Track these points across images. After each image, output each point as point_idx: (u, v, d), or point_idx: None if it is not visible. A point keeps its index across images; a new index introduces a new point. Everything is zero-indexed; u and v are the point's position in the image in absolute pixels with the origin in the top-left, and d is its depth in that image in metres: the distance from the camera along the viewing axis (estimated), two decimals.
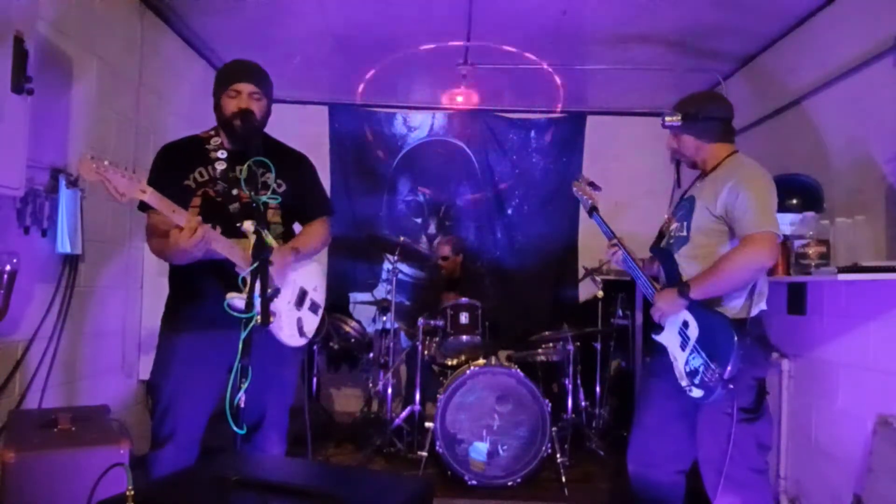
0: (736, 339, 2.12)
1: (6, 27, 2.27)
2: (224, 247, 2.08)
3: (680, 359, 2.31)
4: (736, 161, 2.37)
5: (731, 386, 2.12)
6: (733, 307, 2.28)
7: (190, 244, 1.98)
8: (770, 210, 2.22)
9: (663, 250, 2.47)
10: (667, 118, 2.42)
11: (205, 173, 2.27)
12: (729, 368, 2.11)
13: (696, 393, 2.22)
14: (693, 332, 2.26)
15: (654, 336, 2.44)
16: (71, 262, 3.01)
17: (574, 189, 2.80)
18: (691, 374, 2.25)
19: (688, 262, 2.35)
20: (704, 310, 2.25)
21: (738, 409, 2.18)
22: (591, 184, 2.75)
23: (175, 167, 2.27)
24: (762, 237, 2.17)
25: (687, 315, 2.29)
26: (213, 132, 2.36)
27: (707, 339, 2.21)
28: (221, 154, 2.31)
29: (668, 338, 2.38)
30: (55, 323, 2.92)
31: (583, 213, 5.44)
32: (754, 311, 2.28)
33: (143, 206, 2.05)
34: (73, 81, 3.04)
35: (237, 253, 2.11)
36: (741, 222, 2.21)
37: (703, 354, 2.20)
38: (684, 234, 2.39)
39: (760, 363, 2.31)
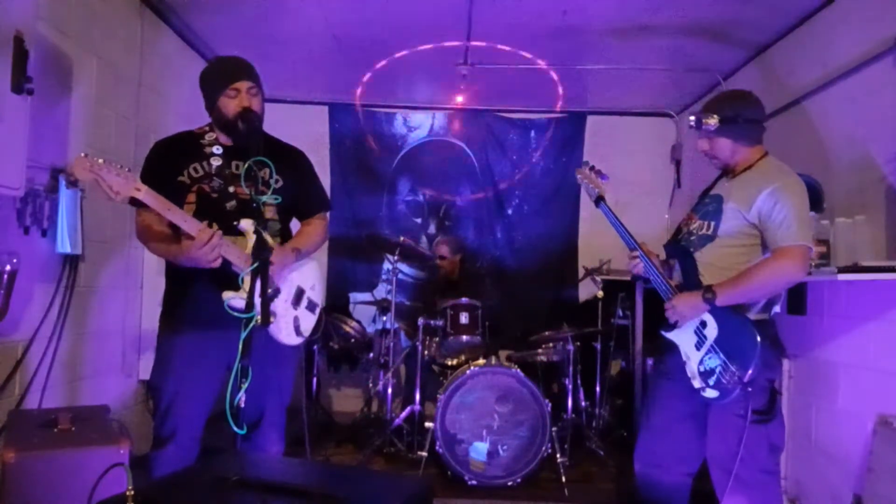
0: (759, 341, 2.09)
1: (6, 27, 2.27)
2: (222, 247, 2.08)
3: (693, 358, 2.27)
4: (770, 165, 2.30)
5: (750, 389, 2.09)
6: (754, 309, 2.24)
7: (203, 254, 2.00)
8: (807, 223, 2.18)
9: (682, 248, 2.39)
10: (703, 120, 2.32)
11: (199, 169, 2.26)
12: (750, 372, 2.08)
13: (711, 394, 2.19)
14: (711, 332, 2.22)
15: (663, 333, 2.38)
16: (71, 262, 3.01)
17: (578, 177, 2.67)
18: (706, 375, 2.21)
19: (709, 262, 2.30)
20: (725, 310, 2.20)
21: (752, 411, 2.14)
22: (597, 171, 2.61)
23: (169, 163, 2.25)
24: (797, 250, 2.13)
25: (706, 315, 2.24)
26: (207, 128, 2.35)
27: (727, 340, 2.17)
28: (217, 150, 2.29)
29: (681, 336, 2.32)
30: (55, 323, 2.91)
31: (583, 213, 5.46)
32: (770, 314, 2.27)
33: (134, 202, 2.04)
34: (73, 81, 3.03)
35: (235, 252, 2.11)
36: (777, 232, 2.16)
37: (722, 355, 2.16)
38: (710, 233, 2.32)
39: (774, 365, 2.29)
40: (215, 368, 2.19)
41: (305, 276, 2.41)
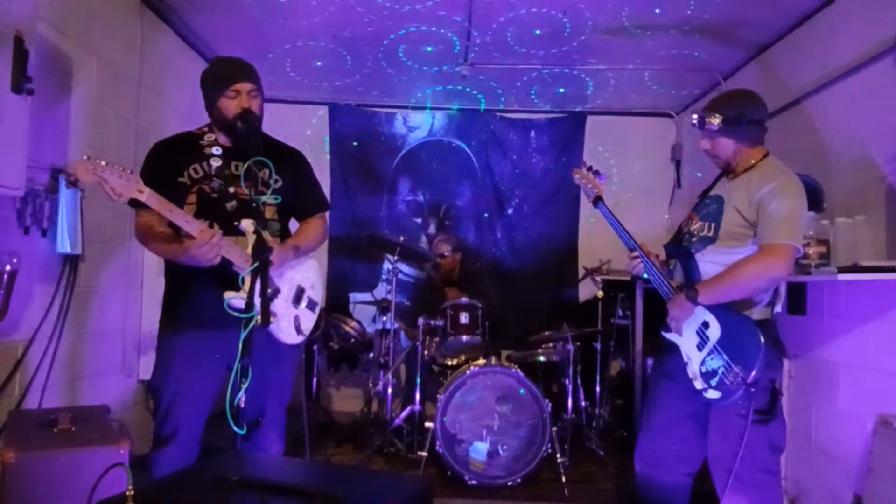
0: (763, 342, 2.09)
1: (6, 27, 2.27)
2: (223, 247, 2.08)
3: (695, 359, 2.26)
4: (772, 165, 2.30)
5: (753, 389, 2.08)
6: (758, 308, 2.24)
7: (204, 253, 2.00)
8: (798, 224, 2.18)
9: (683, 249, 2.39)
10: (706, 119, 2.31)
11: (199, 169, 2.27)
12: (754, 373, 2.08)
13: (713, 394, 2.19)
14: (714, 332, 2.21)
15: (663, 333, 2.38)
16: (71, 262, 3.01)
17: (576, 177, 2.65)
18: (708, 375, 2.21)
19: (710, 263, 2.29)
20: (727, 311, 2.20)
21: (753, 411, 2.14)
22: (595, 171, 2.59)
23: (169, 164, 2.26)
24: (782, 248, 2.13)
25: (708, 315, 2.23)
26: (206, 128, 2.36)
27: (730, 341, 2.17)
28: (216, 150, 2.30)
29: (682, 337, 2.32)
30: (55, 323, 2.91)
31: (583, 213, 5.46)
32: (772, 314, 2.27)
33: (134, 203, 2.04)
34: (73, 81, 3.03)
35: (235, 252, 2.11)
36: (766, 229, 2.17)
37: (725, 356, 2.16)
38: (711, 234, 2.31)
39: (776, 365, 2.28)
40: (215, 368, 2.19)
41: (305, 274, 2.41)
